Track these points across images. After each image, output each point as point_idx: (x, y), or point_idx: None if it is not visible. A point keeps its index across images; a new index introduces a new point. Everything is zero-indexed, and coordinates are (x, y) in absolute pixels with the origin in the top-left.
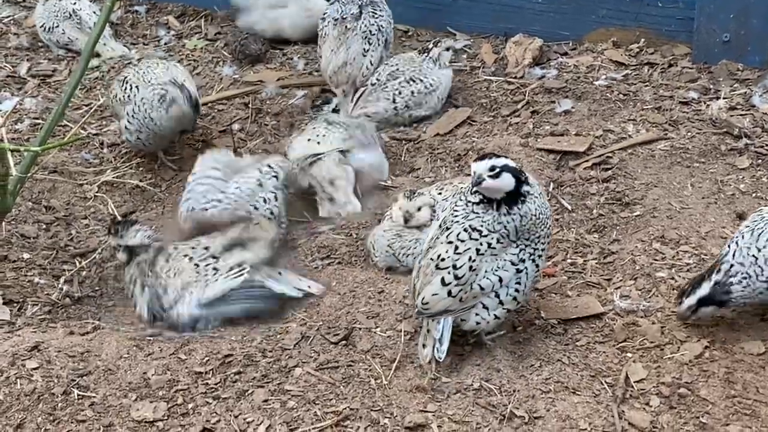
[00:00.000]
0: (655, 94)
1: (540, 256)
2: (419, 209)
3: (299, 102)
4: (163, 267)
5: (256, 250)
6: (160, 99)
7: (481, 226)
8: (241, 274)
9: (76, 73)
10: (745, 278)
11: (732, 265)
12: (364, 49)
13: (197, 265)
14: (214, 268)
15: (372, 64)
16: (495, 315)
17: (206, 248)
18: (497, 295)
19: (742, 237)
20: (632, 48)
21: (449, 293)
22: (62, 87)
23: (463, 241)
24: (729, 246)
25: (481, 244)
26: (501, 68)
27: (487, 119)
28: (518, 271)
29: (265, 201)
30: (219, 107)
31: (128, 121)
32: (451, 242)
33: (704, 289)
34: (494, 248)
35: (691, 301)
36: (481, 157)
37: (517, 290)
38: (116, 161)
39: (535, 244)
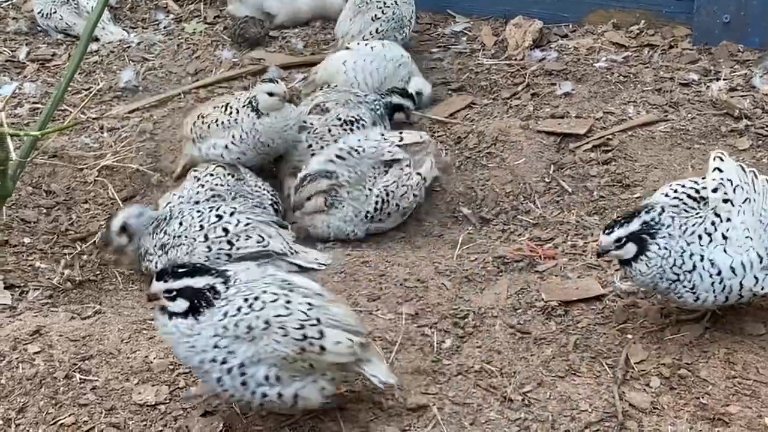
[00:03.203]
0: (655, 75)
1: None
2: (309, 198)
3: (299, 84)
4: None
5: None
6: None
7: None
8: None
9: (75, 58)
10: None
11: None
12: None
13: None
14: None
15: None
16: None
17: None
18: None
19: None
20: (632, 30)
21: None
22: (61, 71)
23: None
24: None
25: None
26: (501, 51)
27: (488, 102)
28: None
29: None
30: (219, 91)
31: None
32: None
33: (634, 225)
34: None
35: (619, 233)
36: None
37: None
38: (116, 145)
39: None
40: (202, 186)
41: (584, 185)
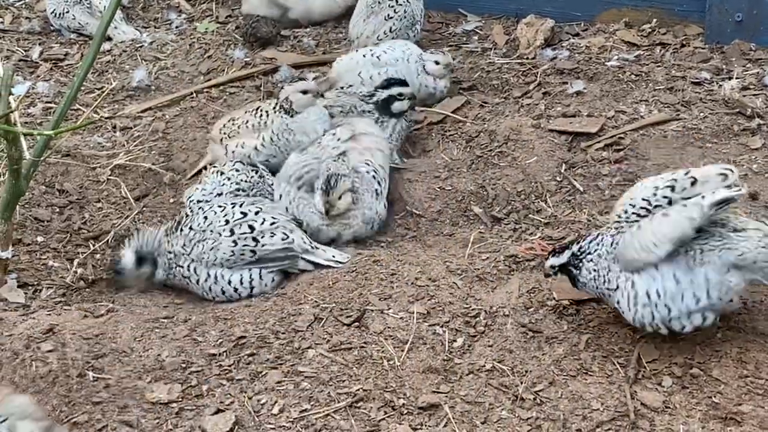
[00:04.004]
0: (667, 74)
1: None
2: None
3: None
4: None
5: None
6: None
7: None
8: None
9: (88, 57)
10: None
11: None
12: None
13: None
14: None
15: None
16: None
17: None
18: None
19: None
20: (644, 28)
21: None
22: (74, 71)
23: None
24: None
25: None
26: (512, 49)
27: (499, 101)
28: None
29: None
30: (230, 90)
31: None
32: None
33: (564, 257)
34: None
35: (552, 262)
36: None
37: None
38: (129, 144)
39: None
40: (228, 179)
41: (596, 184)
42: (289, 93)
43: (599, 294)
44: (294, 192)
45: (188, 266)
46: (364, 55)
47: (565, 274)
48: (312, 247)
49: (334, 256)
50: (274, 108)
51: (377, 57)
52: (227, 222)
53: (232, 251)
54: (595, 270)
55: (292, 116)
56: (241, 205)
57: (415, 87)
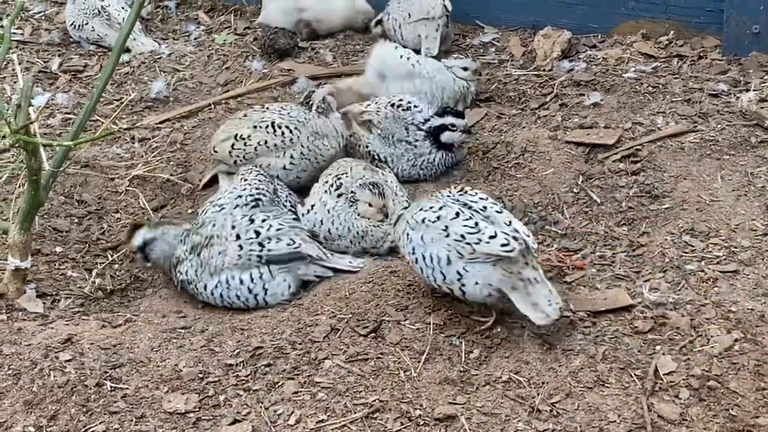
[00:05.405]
0: (684, 86)
1: None
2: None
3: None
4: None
5: None
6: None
7: None
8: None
9: (107, 69)
10: None
11: None
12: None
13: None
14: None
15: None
16: None
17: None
18: None
19: None
20: (661, 40)
21: None
22: (93, 82)
23: None
24: None
25: None
26: (529, 61)
27: (516, 112)
28: None
29: None
30: (248, 101)
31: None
32: None
33: None
34: None
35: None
36: None
37: None
38: (147, 155)
39: None
40: (249, 185)
41: (613, 196)
42: (325, 94)
43: None
44: (332, 201)
45: (188, 270)
46: (401, 56)
47: None
48: (327, 254)
49: (351, 262)
50: (309, 108)
51: (413, 63)
52: (233, 227)
53: (239, 255)
54: None
55: (327, 116)
56: (251, 216)
57: (456, 92)
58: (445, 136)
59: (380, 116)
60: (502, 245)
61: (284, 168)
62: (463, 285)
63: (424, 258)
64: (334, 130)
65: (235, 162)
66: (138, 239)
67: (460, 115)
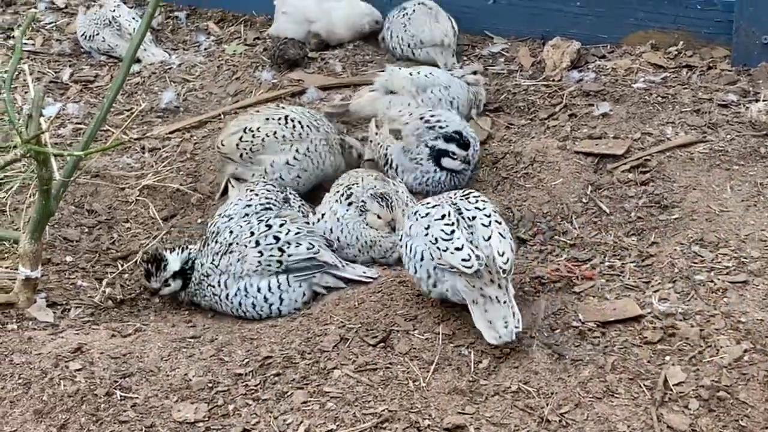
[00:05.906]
0: (693, 96)
1: None
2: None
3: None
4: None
5: None
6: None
7: None
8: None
9: (117, 79)
10: None
11: None
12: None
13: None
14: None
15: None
16: None
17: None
18: None
19: None
20: (671, 51)
21: None
22: (104, 92)
23: None
24: None
25: None
26: (539, 71)
27: (525, 122)
28: None
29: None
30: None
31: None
32: None
33: None
34: None
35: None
36: None
37: None
38: (157, 165)
39: None
40: (256, 195)
41: (622, 206)
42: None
43: None
44: (342, 210)
45: (218, 281)
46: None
47: None
48: (342, 263)
49: (364, 272)
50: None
51: (426, 74)
52: (252, 234)
53: (259, 261)
54: None
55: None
56: (267, 220)
57: (470, 100)
58: (446, 162)
59: (409, 129)
60: (463, 260)
61: (287, 163)
62: (434, 285)
63: (407, 247)
64: (341, 157)
65: (241, 156)
66: (175, 264)
67: (466, 145)
